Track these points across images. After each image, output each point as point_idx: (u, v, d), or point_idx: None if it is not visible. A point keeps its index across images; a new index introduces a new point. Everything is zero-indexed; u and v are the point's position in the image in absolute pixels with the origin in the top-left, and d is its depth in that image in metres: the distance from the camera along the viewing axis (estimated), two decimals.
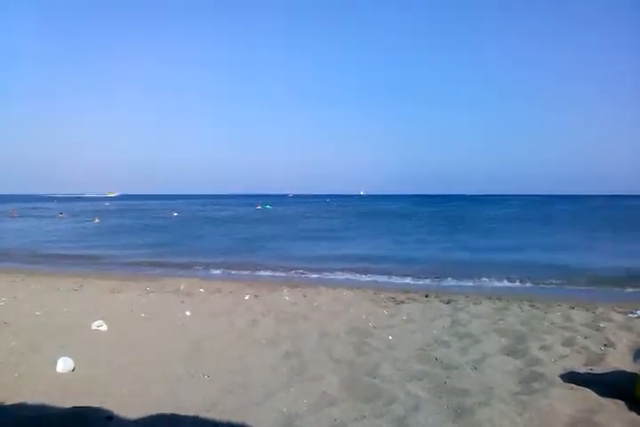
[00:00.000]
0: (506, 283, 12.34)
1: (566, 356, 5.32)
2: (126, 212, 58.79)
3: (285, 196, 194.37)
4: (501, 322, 7.05)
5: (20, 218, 43.93)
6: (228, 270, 14.81)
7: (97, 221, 40.48)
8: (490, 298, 9.49)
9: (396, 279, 13.03)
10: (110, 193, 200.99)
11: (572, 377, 4.56)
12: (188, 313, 7.49)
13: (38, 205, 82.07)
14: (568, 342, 5.86)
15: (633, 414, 3.78)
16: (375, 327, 6.72)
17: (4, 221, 40.07)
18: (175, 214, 50.38)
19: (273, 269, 14.88)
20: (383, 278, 13.24)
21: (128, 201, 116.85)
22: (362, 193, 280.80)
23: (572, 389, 4.28)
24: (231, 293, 9.83)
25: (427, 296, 9.66)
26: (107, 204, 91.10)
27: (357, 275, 13.84)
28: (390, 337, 6.17)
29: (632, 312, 7.84)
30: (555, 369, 4.82)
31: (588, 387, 4.28)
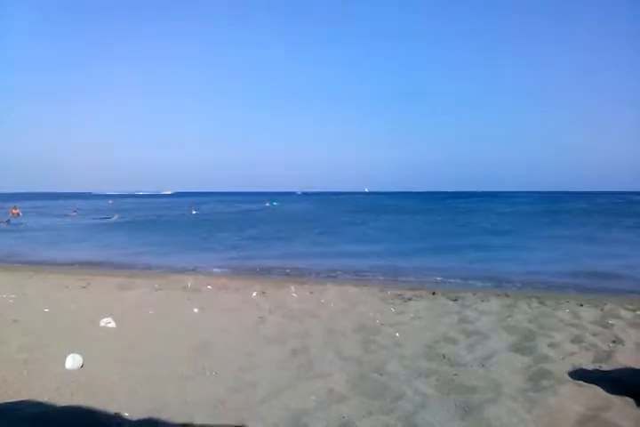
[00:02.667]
0: (514, 279, 12.27)
1: (575, 353, 5.29)
2: (149, 210, 59.17)
3: (294, 193, 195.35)
4: (509, 319, 7.03)
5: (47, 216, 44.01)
6: (235, 267, 14.85)
7: (115, 217, 40.85)
8: (498, 295, 9.45)
9: (403, 276, 13.01)
10: (166, 191, 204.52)
11: (580, 374, 4.54)
12: (195, 310, 7.51)
13: (48, 203, 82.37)
14: (576, 340, 5.83)
15: None
16: (382, 325, 6.72)
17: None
18: (194, 212, 50.98)
19: (280, 266, 14.91)
20: (390, 275, 13.22)
21: (156, 199, 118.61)
22: (366, 190, 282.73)
23: (580, 386, 4.26)
24: (238, 290, 9.85)
25: (434, 293, 9.63)
26: (110, 201, 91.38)
27: (364, 272, 13.82)
28: (397, 334, 6.17)
29: None
30: (563, 366, 4.80)
31: (596, 384, 4.25)
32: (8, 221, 34.39)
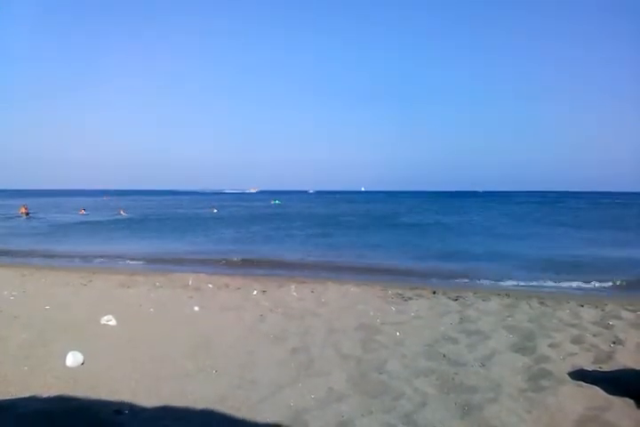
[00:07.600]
0: (515, 279, 12.27)
1: (575, 353, 5.30)
2: (159, 208, 59.29)
3: (306, 192, 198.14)
4: (510, 319, 7.03)
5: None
6: (236, 265, 14.86)
7: (123, 213, 41.06)
8: (498, 295, 9.45)
9: (403, 275, 13.00)
10: (253, 189, 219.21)
11: (580, 375, 4.54)
12: (196, 308, 7.52)
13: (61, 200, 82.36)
14: (577, 340, 5.83)
15: None
16: (383, 324, 6.72)
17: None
18: (215, 211, 49.83)
19: (280, 265, 14.91)
20: (391, 274, 13.22)
21: (182, 196, 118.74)
22: (363, 189, 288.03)
23: (580, 386, 4.27)
24: (239, 288, 9.86)
25: (434, 293, 9.63)
26: (105, 198, 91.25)
27: (365, 271, 13.82)
28: (398, 333, 6.17)
29: None
30: (563, 367, 4.80)
31: (596, 385, 4.26)
32: (28, 214, 36.56)
